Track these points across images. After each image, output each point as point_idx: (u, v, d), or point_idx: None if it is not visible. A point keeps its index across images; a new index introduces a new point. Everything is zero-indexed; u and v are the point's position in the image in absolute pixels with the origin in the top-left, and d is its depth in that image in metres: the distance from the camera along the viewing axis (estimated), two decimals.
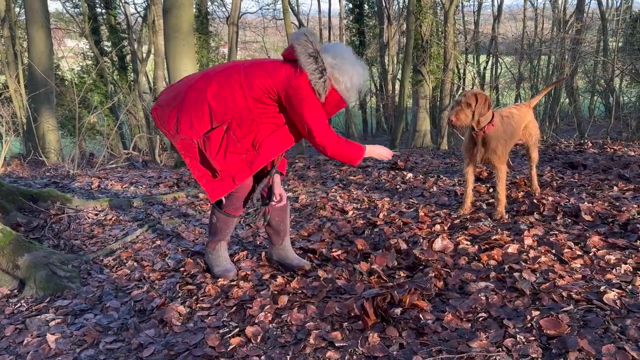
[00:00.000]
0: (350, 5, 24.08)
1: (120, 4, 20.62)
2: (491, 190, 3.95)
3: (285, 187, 4.72)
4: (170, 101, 2.53)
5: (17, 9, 18.52)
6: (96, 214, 3.89)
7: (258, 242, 3.30)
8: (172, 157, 12.15)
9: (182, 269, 2.93)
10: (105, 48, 21.74)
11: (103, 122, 18.00)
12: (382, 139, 22.88)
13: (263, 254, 2.99)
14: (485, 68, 23.39)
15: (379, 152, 2.66)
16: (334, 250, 3.00)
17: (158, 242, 3.38)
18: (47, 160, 9.35)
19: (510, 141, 3.37)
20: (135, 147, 11.95)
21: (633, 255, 2.64)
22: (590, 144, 5.20)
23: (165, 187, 5.04)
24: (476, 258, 2.75)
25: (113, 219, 3.84)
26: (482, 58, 23.42)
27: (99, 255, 3.20)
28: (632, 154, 4.60)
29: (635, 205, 3.29)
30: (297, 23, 20.60)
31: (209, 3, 21.48)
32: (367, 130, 26.99)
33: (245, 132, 2.45)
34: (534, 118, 3.70)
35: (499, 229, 3.13)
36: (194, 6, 17.98)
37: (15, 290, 2.87)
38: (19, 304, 2.70)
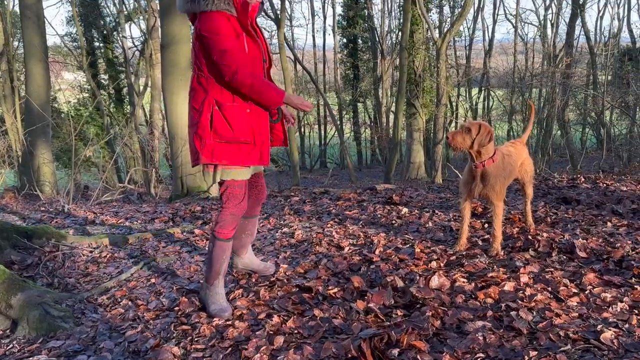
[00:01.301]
0: (345, 40, 24.53)
1: (118, 39, 20.93)
2: (486, 225, 3.97)
3: (282, 221, 4.72)
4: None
5: (16, 43, 18.75)
6: (91, 251, 3.87)
7: (254, 280, 3.28)
8: (167, 189, 12.15)
9: (176, 308, 2.91)
10: (102, 81, 21.96)
11: (98, 154, 18.04)
12: (377, 170, 23.01)
13: (262, 290, 2.98)
14: (477, 101, 23.74)
15: (302, 102, 2.80)
16: (330, 287, 2.99)
17: (153, 280, 3.36)
18: (42, 193, 9.32)
19: (509, 179, 3.42)
20: (130, 180, 11.96)
21: (629, 293, 2.64)
22: (582, 179, 5.25)
23: (160, 222, 5.03)
24: (473, 296, 2.75)
25: (108, 256, 3.82)
26: (474, 91, 23.79)
27: (94, 294, 3.17)
28: (625, 189, 4.65)
29: (629, 242, 3.31)
30: (292, 57, 20.91)
31: None
32: (362, 162, 27.15)
33: (231, 94, 2.65)
34: (528, 155, 3.76)
35: (495, 266, 3.13)
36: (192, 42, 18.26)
37: (8, 331, 2.83)
38: (11, 345, 2.66)
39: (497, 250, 3.34)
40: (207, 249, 2.95)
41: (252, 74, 2.60)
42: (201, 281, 3.09)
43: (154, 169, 10.32)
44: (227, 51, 2.53)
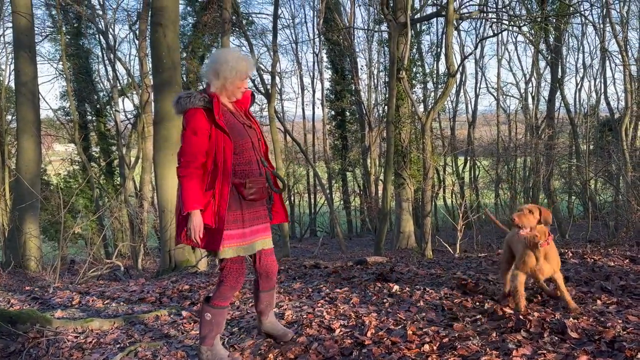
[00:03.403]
0: (333, 113, 25.23)
1: (111, 112, 21.34)
2: (477, 304, 3.95)
3: None
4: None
5: (9, 117, 19.01)
6: (76, 336, 3.77)
7: None
8: (154, 262, 11.99)
9: None
10: (94, 153, 22.14)
11: (86, 227, 17.86)
12: (367, 238, 22.95)
13: None
14: (463, 169, 24.18)
15: (193, 229, 2.74)
16: None
17: None
18: (27, 269, 9.15)
19: None
20: (117, 254, 11.80)
21: None
22: (570, 254, 5.29)
23: (147, 302, 4.94)
24: None
25: (93, 342, 3.72)
26: (460, 161, 24.29)
27: None
28: (612, 264, 4.69)
29: (619, 321, 3.31)
30: (282, 129, 21.40)
31: None
32: (352, 230, 27.11)
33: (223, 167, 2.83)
34: None
35: (487, 348, 3.09)
36: None
37: None
38: None
39: (573, 305, 3.59)
40: (203, 318, 2.99)
41: (190, 171, 2.73)
42: (200, 347, 3.03)
43: (142, 245, 10.21)
44: (184, 145, 2.77)
